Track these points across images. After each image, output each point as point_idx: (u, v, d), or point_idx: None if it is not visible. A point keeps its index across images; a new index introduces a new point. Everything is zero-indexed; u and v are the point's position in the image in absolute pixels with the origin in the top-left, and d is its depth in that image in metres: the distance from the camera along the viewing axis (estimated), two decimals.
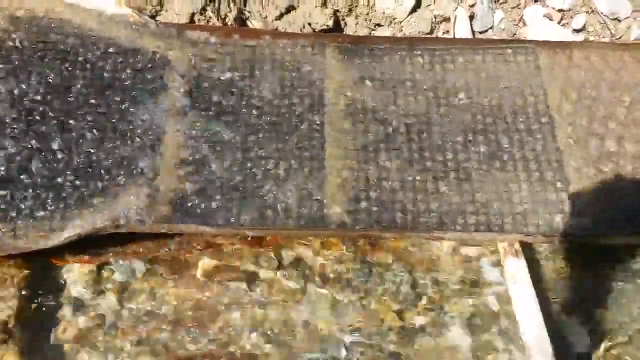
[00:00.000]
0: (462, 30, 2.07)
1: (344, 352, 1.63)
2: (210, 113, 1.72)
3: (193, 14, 1.91)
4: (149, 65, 1.75)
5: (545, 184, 1.70)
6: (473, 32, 2.15)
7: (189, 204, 1.58)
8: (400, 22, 2.09)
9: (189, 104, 1.72)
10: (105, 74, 1.73)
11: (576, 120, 1.82)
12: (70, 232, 1.50)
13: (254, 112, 1.74)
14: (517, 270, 1.58)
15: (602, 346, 1.68)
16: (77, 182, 1.56)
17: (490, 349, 1.63)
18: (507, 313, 1.63)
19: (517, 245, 1.62)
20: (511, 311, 1.59)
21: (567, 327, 1.70)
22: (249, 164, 1.66)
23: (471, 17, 2.14)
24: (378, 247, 1.79)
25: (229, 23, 1.95)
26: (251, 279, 1.73)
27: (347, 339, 1.65)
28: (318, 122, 1.74)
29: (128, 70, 1.74)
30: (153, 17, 1.91)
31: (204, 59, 1.80)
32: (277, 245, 1.77)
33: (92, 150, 1.61)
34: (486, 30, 2.17)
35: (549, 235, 1.64)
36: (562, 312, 1.73)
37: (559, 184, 1.70)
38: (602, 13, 2.17)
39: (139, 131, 1.65)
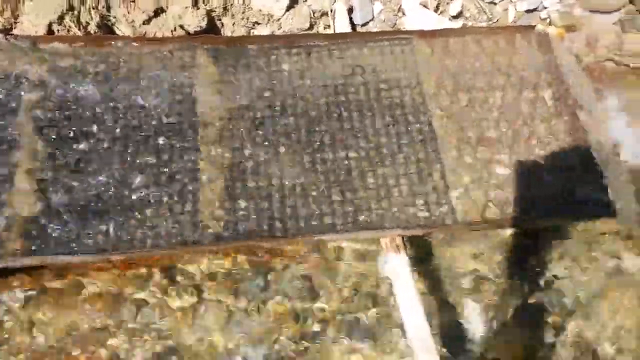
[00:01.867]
0: (342, 24, 2.04)
1: None
2: (71, 129, 1.61)
3: (50, 24, 1.78)
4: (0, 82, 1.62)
5: (424, 176, 1.70)
6: (354, 25, 2.12)
7: (48, 233, 1.47)
8: (279, 19, 2.04)
9: (46, 121, 1.61)
10: None
11: (452, 109, 1.83)
12: None
13: (119, 124, 1.64)
14: (398, 265, 1.58)
15: (496, 327, 1.73)
16: None
17: (389, 346, 1.64)
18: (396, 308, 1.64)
19: (398, 240, 1.62)
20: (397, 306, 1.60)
21: (461, 311, 1.74)
22: (113, 183, 1.57)
23: (351, 10, 2.11)
24: (273, 254, 1.75)
25: (92, 31, 1.83)
26: (139, 301, 1.66)
27: (244, 350, 1.62)
28: (190, 132, 1.67)
29: None
30: (8, 30, 1.77)
31: (63, 71, 1.68)
32: (165, 264, 1.70)
33: None
34: (367, 23, 2.15)
35: (429, 228, 1.64)
36: (455, 298, 1.77)
37: (436, 176, 1.71)
38: None
39: None
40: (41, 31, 1.78)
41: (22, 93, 1.63)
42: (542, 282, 1.81)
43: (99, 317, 1.62)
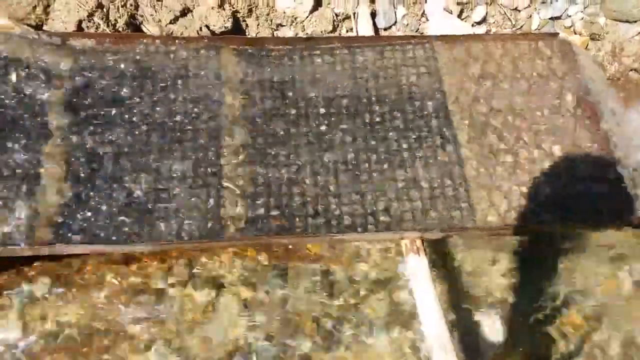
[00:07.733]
0: (364, 28, 2.05)
1: None
2: (99, 124, 1.64)
3: (80, 22, 1.82)
4: (31, 77, 1.66)
5: (444, 180, 1.70)
6: (377, 29, 2.13)
7: (74, 223, 1.49)
8: (302, 21, 2.06)
9: (75, 116, 1.64)
10: None
11: (474, 114, 1.82)
12: None
13: (146, 122, 1.67)
14: (418, 266, 1.58)
15: (512, 335, 1.71)
16: None
17: (405, 345, 1.64)
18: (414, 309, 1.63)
19: (418, 242, 1.62)
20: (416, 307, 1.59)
21: (479, 317, 1.73)
22: (141, 177, 1.59)
23: (374, 14, 2.12)
24: (293, 251, 1.76)
25: (120, 29, 1.87)
26: (160, 295, 1.67)
27: (261, 346, 1.62)
28: (215, 130, 1.69)
29: (7, 84, 1.64)
30: (38, 26, 1.81)
31: (91, 67, 1.71)
32: (186, 258, 1.72)
33: None
34: (390, 27, 2.16)
35: (448, 231, 1.64)
36: (473, 302, 1.75)
37: (458, 180, 1.70)
38: (501, 4, 2.19)
39: (18, 146, 1.56)
40: (70, 28, 1.82)
41: (51, 89, 1.67)
42: (561, 292, 1.79)
43: (120, 309, 1.63)
